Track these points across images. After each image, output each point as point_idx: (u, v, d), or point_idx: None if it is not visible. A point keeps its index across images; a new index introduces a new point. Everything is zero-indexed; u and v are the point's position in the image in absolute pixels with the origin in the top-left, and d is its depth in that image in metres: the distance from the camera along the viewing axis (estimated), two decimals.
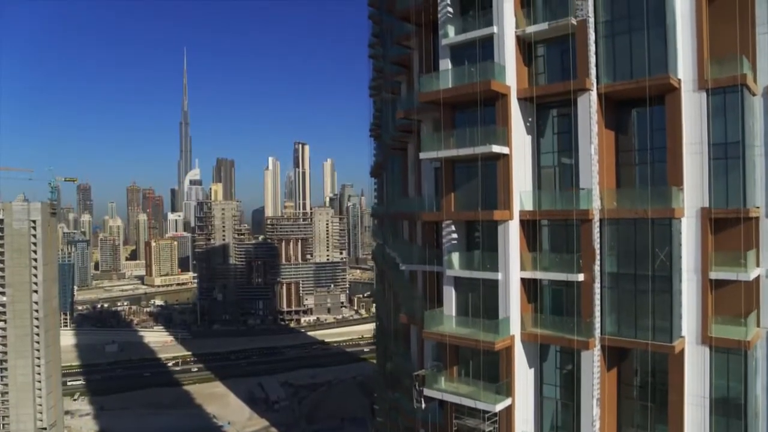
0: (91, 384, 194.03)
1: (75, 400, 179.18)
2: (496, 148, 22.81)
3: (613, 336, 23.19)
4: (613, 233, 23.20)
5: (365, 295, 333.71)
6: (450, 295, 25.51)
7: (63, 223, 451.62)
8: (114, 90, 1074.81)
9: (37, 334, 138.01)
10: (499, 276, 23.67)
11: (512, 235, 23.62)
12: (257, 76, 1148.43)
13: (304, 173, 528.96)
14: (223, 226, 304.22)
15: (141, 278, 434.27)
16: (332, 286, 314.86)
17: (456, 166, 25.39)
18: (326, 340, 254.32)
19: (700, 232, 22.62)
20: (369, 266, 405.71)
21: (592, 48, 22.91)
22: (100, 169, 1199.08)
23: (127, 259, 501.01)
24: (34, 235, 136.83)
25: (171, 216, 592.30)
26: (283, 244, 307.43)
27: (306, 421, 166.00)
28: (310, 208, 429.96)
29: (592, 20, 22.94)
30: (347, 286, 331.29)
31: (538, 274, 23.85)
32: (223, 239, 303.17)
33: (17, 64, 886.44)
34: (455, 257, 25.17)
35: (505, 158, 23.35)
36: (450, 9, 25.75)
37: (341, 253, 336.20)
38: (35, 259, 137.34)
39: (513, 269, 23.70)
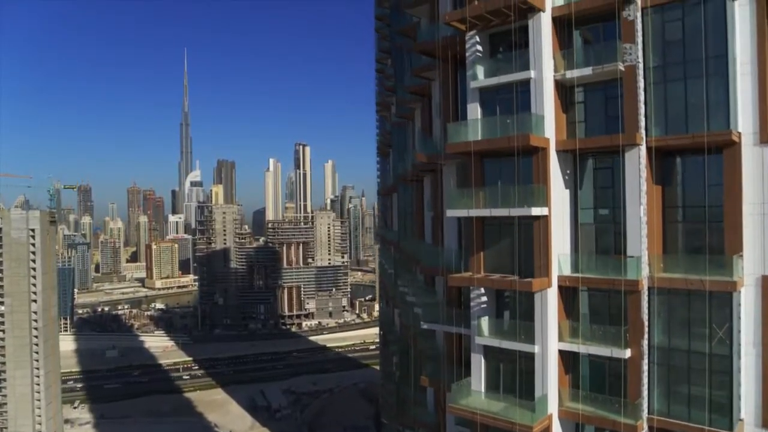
0: (91, 391, 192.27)
1: (75, 407, 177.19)
2: (536, 211, 20.45)
3: (662, 417, 20.84)
4: (663, 303, 20.84)
5: (367, 298, 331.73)
6: (478, 364, 23.15)
7: (63, 224, 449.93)
8: (114, 90, 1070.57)
9: (36, 344, 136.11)
10: (536, 349, 21.33)
11: (551, 304, 21.27)
12: (257, 76, 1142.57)
13: (304, 174, 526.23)
14: (224, 230, 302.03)
15: (141, 281, 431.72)
16: (334, 289, 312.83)
17: (486, 221, 23.06)
18: (328, 345, 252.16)
19: (761, 302, 20.25)
20: (371, 268, 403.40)
21: (641, 97, 20.57)
22: (100, 170, 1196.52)
23: (127, 261, 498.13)
24: (33, 244, 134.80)
25: (172, 218, 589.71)
26: (285, 247, 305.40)
27: (308, 430, 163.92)
28: (311, 210, 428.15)
29: (641, 65, 20.61)
30: (349, 289, 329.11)
31: (579, 347, 21.48)
32: (224, 243, 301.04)
33: (17, 64, 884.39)
34: (485, 323, 22.82)
35: (544, 219, 20.99)
36: (479, 48, 23.34)
37: (343, 257, 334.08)
38: (34, 269, 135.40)
39: (551, 341, 21.35)
